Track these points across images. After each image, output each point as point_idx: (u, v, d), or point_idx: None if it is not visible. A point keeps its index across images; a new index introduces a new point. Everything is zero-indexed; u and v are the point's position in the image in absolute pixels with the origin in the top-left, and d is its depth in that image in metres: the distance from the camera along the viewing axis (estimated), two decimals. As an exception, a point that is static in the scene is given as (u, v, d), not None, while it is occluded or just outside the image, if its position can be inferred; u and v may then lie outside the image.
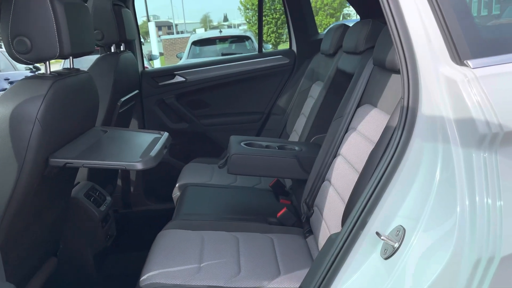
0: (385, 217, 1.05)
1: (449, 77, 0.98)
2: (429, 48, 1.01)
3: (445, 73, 0.99)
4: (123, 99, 2.19)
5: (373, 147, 1.44)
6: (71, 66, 1.50)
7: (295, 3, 2.93)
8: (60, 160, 1.29)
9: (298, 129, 2.54)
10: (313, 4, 3.19)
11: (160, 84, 2.87)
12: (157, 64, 16.47)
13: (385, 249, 1.02)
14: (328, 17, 18.24)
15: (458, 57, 0.99)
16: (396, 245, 0.99)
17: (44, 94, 1.22)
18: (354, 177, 1.48)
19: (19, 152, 1.20)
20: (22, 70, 8.43)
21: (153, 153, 1.37)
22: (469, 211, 0.94)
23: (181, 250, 1.58)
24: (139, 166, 1.29)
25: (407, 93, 1.04)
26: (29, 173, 1.24)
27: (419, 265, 0.96)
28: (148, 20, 29.45)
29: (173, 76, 2.88)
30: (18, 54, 1.25)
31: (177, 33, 35.24)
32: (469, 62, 0.97)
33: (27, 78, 1.30)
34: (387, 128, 1.27)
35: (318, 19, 17.37)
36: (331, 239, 1.15)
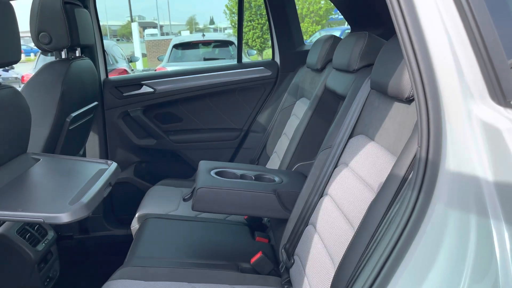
0: (392, 312, 0.75)
1: (488, 122, 0.69)
2: (459, 80, 0.72)
3: (482, 116, 0.70)
4: (74, 114, 1.85)
5: (368, 191, 1.16)
6: (-12, 79, 1.17)
7: (280, 10, 2.64)
8: None
9: (279, 152, 2.25)
10: (298, 11, 2.92)
11: (125, 94, 2.53)
12: (139, 65, 16.05)
13: None
14: (314, 24, 18.06)
15: (502, 95, 0.70)
16: None
17: None
18: (345, 228, 1.20)
19: None
20: (-8, 69, 7.93)
21: (86, 198, 1.04)
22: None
23: (128, 311, 1.26)
24: (65, 218, 0.97)
25: (426, 139, 0.75)
26: None
27: None
28: (132, 21, 28.95)
29: (140, 86, 2.55)
30: None
31: (162, 34, 34.67)
32: (519, 104, 0.69)
33: None
34: (392, 177, 0.97)
35: (304, 26, 17.17)
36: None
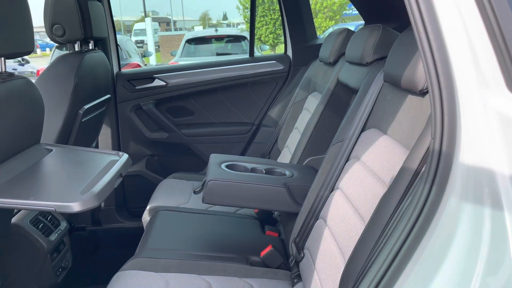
0: (402, 306, 0.74)
1: (504, 113, 0.68)
2: (475, 70, 0.70)
3: (499, 107, 0.68)
4: (87, 106, 1.87)
5: (380, 185, 1.14)
6: (2, 70, 1.18)
7: (293, 4, 2.62)
8: None
9: (290, 146, 2.24)
10: (312, 6, 2.90)
11: (137, 87, 2.55)
12: (152, 60, 16.13)
13: None
14: (327, 19, 17.90)
15: (520, 86, 0.68)
16: None
17: None
18: (356, 222, 1.18)
19: None
20: (9, 62, 8.07)
21: (97, 188, 1.05)
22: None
23: (138, 301, 1.27)
24: (76, 207, 0.98)
25: (439, 131, 0.74)
26: None
27: None
28: (146, 16, 29.03)
29: (153, 79, 2.56)
30: None
31: (175, 30, 34.56)
32: (537, 94, 0.67)
33: None
34: (404, 170, 0.96)
35: (317, 21, 17.04)
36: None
